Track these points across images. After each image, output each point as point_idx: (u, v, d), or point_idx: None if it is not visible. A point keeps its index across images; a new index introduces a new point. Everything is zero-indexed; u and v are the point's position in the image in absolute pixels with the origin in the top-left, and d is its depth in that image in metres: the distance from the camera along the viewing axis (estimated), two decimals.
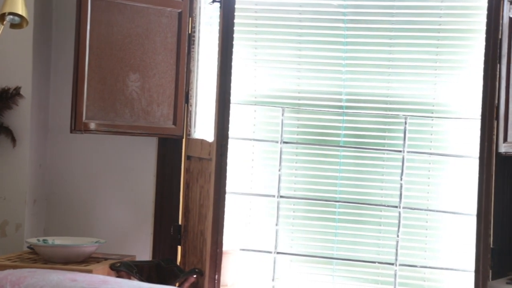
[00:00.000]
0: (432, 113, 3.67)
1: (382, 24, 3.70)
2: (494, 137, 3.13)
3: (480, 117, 3.11)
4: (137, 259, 3.59)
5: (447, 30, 3.64)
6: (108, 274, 3.19)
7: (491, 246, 3.16)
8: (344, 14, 3.74)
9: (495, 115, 3.15)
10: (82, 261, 3.34)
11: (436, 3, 3.64)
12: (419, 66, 3.68)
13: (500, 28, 3.16)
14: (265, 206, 3.84)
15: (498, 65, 3.17)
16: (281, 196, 3.80)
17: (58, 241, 3.44)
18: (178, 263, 3.60)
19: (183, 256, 3.61)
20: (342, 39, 3.75)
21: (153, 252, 3.70)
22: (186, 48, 3.59)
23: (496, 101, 3.17)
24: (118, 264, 3.22)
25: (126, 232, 3.74)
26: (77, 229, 3.74)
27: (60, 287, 2.59)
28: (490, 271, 3.15)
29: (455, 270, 3.62)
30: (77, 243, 3.39)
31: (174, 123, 3.59)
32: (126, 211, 3.76)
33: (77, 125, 3.35)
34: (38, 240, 3.41)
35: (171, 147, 3.71)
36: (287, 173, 3.81)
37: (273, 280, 3.79)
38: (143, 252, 3.69)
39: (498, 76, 3.17)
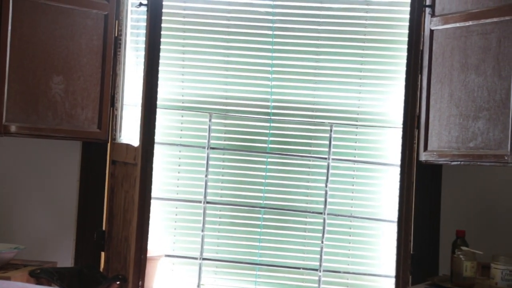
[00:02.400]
0: (357, 121, 3.73)
1: (309, 32, 3.75)
2: (415, 145, 3.18)
3: (402, 126, 3.16)
4: (59, 265, 3.52)
5: (371, 41, 3.70)
6: (28, 282, 3.11)
7: (411, 252, 3.18)
8: (272, 21, 3.77)
9: (416, 124, 3.21)
10: (0, 268, 3.24)
11: (361, 14, 3.71)
12: (344, 75, 3.73)
13: (422, 40, 3.22)
14: (191, 212, 3.83)
15: (420, 76, 3.22)
16: (208, 202, 3.79)
17: None
18: (101, 270, 3.54)
19: (106, 262, 3.56)
20: (270, 46, 3.78)
21: (76, 258, 3.64)
22: (112, 51, 3.55)
23: (418, 111, 3.22)
24: (38, 271, 3.15)
25: (48, 238, 3.67)
26: None
27: None
28: (410, 276, 3.17)
29: (377, 275, 3.67)
30: None
31: (99, 127, 3.54)
32: (48, 216, 3.69)
33: None
34: None
35: (95, 152, 3.66)
36: (214, 179, 3.82)
37: (198, 286, 3.77)
38: (65, 259, 3.63)
39: (419, 86, 3.22)
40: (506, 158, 2.85)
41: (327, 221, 3.72)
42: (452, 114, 3.11)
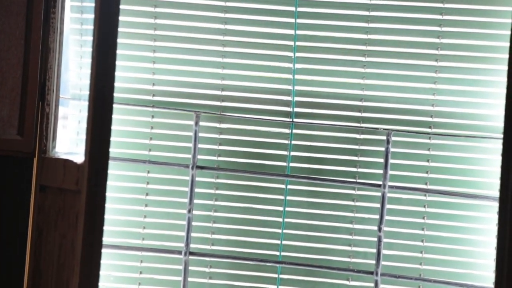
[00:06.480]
0: (430, 127, 3.71)
1: None
2: None
3: (502, 136, 2.90)
4: None
5: (453, 0, 3.73)
6: None
7: None
8: None
9: None
10: None
11: None
12: (411, 55, 3.73)
13: None
14: (165, 269, 3.81)
15: None
16: (191, 253, 3.76)
17: None
18: None
19: None
20: (292, 8, 3.77)
21: None
22: (43, 12, 3.39)
23: None
24: None
25: None
26: None
27: None
28: None
29: None
30: None
31: (20, 132, 3.40)
32: None
33: None
34: None
35: (13, 172, 3.48)
36: (202, 217, 3.79)
37: None
38: None
39: None
40: None
41: (381, 286, 3.67)
42: None
